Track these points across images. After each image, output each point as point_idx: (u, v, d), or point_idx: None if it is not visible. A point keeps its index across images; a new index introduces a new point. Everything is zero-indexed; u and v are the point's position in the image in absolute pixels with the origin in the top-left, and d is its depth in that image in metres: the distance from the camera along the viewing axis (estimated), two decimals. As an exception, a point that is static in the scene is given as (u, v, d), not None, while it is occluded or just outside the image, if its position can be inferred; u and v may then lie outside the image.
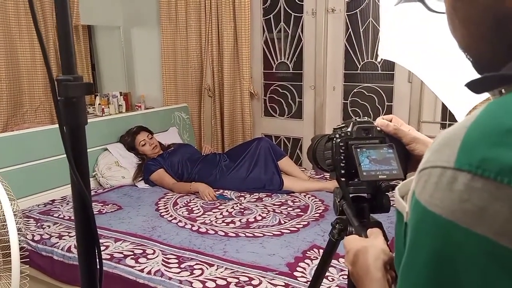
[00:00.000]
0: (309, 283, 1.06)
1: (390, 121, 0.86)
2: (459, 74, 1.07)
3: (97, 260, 0.73)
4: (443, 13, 0.50)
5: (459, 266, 0.37)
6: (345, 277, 1.81)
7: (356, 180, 0.83)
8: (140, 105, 4.08)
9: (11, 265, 1.14)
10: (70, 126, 0.65)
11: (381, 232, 0.75)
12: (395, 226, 0.51)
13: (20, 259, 1.20)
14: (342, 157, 0.82)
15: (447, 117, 3.03)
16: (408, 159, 0.84)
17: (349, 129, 0.84)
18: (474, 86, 0.45)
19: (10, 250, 1.16)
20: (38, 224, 2.46)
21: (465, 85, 0.45)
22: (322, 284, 1.66)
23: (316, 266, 1.91)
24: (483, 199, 0.35)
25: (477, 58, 0.48)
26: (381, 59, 1.39)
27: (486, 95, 0.47)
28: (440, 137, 0.41)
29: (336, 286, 1.76)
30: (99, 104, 3.87)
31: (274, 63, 3.74)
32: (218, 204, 2.74)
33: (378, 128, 0.84)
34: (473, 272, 0.36)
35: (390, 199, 0.87)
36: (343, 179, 0.84)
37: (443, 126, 3.08)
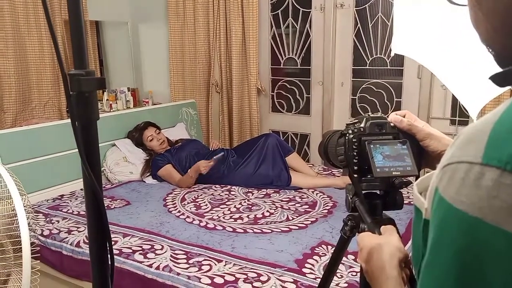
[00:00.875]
0: (319, 280, 1.06)
1: (404, 116, 0.84)
2: (472, 69, 1.05)
3: (109, 255, 0.72)
4: (465, 5, 0.49)
5: (486, 264, 0.36)
6: (354, 274, 1.80)
7: (369, 176, 0.81)
8: (147, 100, 4.08)
9: (22, 261, 1.14)
10: (82, 121, 0.65)
11: (395, 229, 0.74)
12: (413, 222, 0.50)
13: (31, 255, 1.20)
14: (355, 153, 0.81)
15: (456, 113, 3.00)
16: (422, 156, 0.82)
17: (362, 125, 0.82)
18: (498, 79, 0.44)
19: (21, 245, 1.16)
20: (47, 219, 2.47)
21: (489, 78, 0.44)
22: (331, 280, 1.65)
23: (325, 263, 1.91)
24: None
25: (500, 52, 0.47)
26: (393, 54, 1.37)
27: (498, 91, 0.46)
28: (465, 132, 0.40)
29: (345, 282, 1.75)
30: (107, 99, 3.88)
31: (282, 59, 3.73)
32: (226, 200, 2.74)
33: (392, 124, 0.83)
34: (501, 270, 0.35)
35: (404, 196, 0.86)
36: (355, 175, 0.83)
37: (453, 122, 3.06)
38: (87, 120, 0.65)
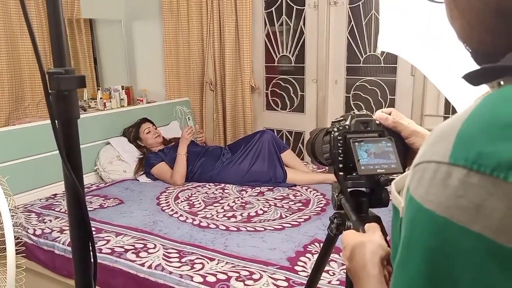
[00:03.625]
0: (307, 277, 1.06)
1: (390, 114, 0.84)
2: (460, 67, 1.05)
3: (91, 253, 0.72)
4: (442, 2, 0.48)
5: (454, 263, 0.36)
6: (346, 271, 1.81)
7: (354, 174, 0.81)
8: (142, 99, 4.07)
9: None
10: (62, 120, 0.64)
11: (379, 227, 0.74)
12: (392, 221, 0.50)
13: (16, 253, 1.19)
14: (340, 151, 0.81)
15: (450, 111, 3.01)
16: (408, 153, 0.82)
17: (347, 123, 0.82)
18: (472, 78, 0.43)
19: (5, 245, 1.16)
20: (40, 219, 2.46)
21: (462, 77, 0.44)
22: (322, 278, 1.65)
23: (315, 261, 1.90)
24: (479, 196, 0.34)
25: (476, 49, 0.46)
26: (382, 51, 1.37)
27: (485, 89, 0.45)
28: (436, 130, 0.40)
29: (336, 280, 1.75)
30: (100, 98, 3.86)
31: (276, 57, 3.72)
32: (220, 198, 2.73)
33: (377, 122, 0.83)
34: (468, 269, 0.35)
35: (389, 193, 0.85)
36: (341, 173, 0.82)
37: (446, 120, 3.06)
38: (67, 119, 0.64)
